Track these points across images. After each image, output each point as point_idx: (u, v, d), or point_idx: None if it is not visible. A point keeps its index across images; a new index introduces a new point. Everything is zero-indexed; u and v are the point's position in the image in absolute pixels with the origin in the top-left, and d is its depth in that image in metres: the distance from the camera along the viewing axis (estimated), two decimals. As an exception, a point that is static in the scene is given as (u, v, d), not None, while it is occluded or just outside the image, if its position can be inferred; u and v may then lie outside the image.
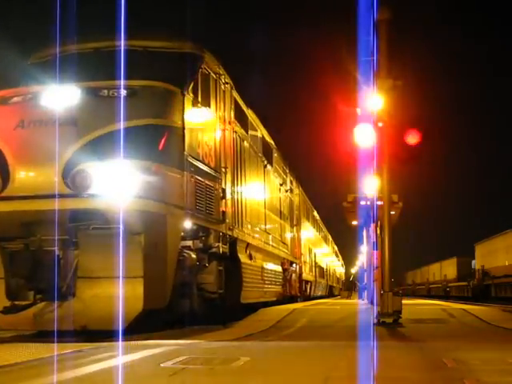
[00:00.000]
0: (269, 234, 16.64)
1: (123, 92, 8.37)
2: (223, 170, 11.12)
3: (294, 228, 23.71)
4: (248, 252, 13.57)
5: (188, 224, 9.56)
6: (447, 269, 63.94)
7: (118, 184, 7.97)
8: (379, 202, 12.18)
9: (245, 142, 13.68)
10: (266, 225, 16.22)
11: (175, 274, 9.00)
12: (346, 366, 5.06)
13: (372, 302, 16.75)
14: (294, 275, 22.78)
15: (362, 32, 10.74)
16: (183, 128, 9.20)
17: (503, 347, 6.92)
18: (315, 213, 38.02)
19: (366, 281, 28.31)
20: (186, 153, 9.20)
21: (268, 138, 17.47)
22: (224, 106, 11.57)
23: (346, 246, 63.51)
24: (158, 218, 8.42)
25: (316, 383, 4.15)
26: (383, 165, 10.58)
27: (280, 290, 18.48)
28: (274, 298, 17.47)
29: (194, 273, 10.08)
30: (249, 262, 13.46)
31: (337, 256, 59.71)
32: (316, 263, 34.60)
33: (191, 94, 9.56)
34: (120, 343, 6.43)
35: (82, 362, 4.97)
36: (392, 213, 12.44)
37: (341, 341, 7.77)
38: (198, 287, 10.34)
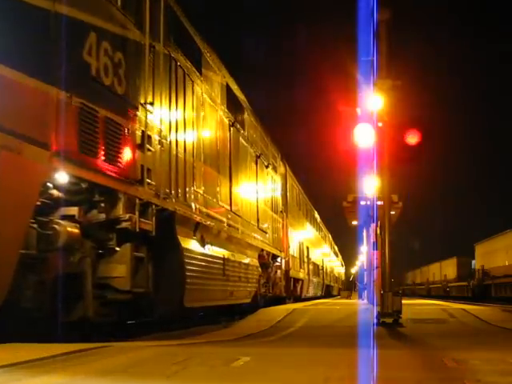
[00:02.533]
0: (238, 216, 13.16)
1: None
2: (146, 106, 7.99)
3: (279, 215, 20.12)
4: (199, 236, 10.13)
5: (61, 176, 6.27)
6: (447, 269, 63.94)
7: None
8: (379, 202, 12.19)
9: (195, 81, 10.30)
10: (232, 203, 12.56)
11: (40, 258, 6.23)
12: (345, 366, 5.06)
13: (372, 302, 16.76)
14: (278, 271, 19.53)
15: (361, 32, 10.75)
16: (61, 16, 6.05)
17: (503, 347, 6.92)
18: (309, 203, 34.49)
19: (365, 281, 28.34)
20: (64, 57, 6.05)
21: (238, 93, 14.04)
22: (153, 18, 8.30)
23: (346, 246, 63.57)
24: None
25: (316, 383, 4.14)
26: (383, 165, 10.59)
27: (255, 289, 15.00)
28: (248, 300, 14.13)
29: (84, 260, 6.94)
30: (198, 249, 9.89)
31: (336, 255, 59.03)
32: (309, 259, 31.09)
33: None
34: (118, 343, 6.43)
35: (86, 361, 4.97)
36: (392, 213, 12.45)
37: (341, 341, 7.77)
38: (98, 283, 7.24)
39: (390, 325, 9.70)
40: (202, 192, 10.42)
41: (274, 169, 19.27)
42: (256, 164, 15.87)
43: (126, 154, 7.38)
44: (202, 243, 10.32)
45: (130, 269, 7.56)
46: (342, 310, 16.02)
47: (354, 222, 27.67)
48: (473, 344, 7.44)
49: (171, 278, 8.80)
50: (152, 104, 8.19)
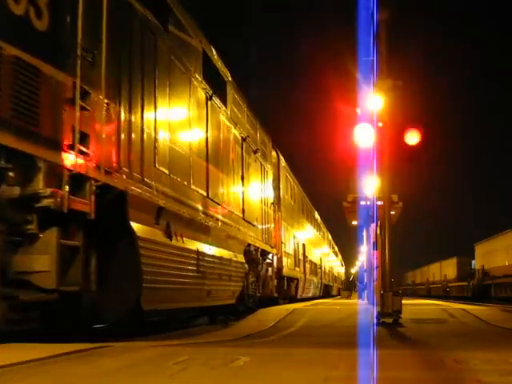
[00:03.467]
0: (217, 204, 11.48)
1: None
2: (83, 53, 6.37)
3: (271, 208, 18.43)
4: (163, 224, 8.62)
5: None
6: (447, 269, 63.96)
7: None
8: (379, 202, 12.19)
9: (159, 36, 8.76)
10: (209, 189, 10.89)
11: None
12: (345, 366, 5.06)
13: (372, 302, 16.76)
14: (269, 269, 17.85)
15: (361, 32, 10.75)
16: None
17: (503, 347, 6.92)
18: (306, 199, 32.59)
19: (365, 281, 28.33)
20: None
21: (219, 64, 12.33)
22: None
23: (346, 246, 63.60)
24: None
25: (315, 383, 4.14)
26: (383, 165, 10.59)
27: (241, 288, 13.43)
28: (231, 301, 12.70)
29: None
30: (161, 239, 8.39)
31: (336, 254, 58.38)
32: (306, 257, 29.03)
33: None
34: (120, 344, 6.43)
35: (86, 361, 4.97)
36: (392, 213, 12.45)
37: (341, 341, 7.77)
38: (15, 279, 5.79)
39: (390, 325, 9.70)
40: (167, 172, 8.77)
41: (264, 156, 17.40)
42: (241, 147, 14.01)
43: (47, 109, 5.72)
44: (168, 232, 8.68)
45: (57, 261, 5.90)
46: (342, 310, 16.02)
47: (354, 222, 27.70)
48: (473, 344, 7.44)
49: (123, 273, 7.30)
50: (93, 53, 6.54)
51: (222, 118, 12.30)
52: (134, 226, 7.44)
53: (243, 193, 14.10)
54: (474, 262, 55.74)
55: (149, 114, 8.30)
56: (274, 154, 19.97)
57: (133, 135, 7.71)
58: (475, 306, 20.38)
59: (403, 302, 10.62)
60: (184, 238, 9.42)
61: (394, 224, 13.11)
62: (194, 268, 9.79)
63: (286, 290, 22.09)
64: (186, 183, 9.68)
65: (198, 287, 10.02)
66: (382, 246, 11.18)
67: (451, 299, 42.55)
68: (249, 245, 14.64)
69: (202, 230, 10.59)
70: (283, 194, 21.93)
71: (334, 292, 54.17)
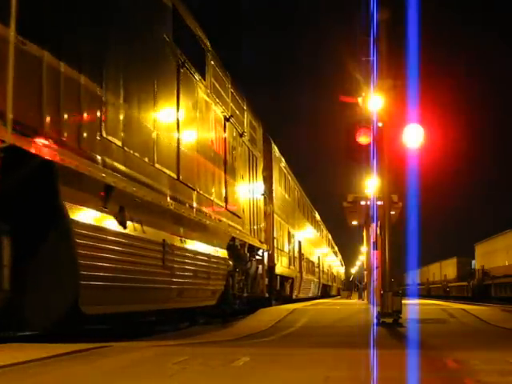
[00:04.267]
0: (192, 189, 9.78)
1: None
2: None
3: (262, 201, 16.59)
4: (114, 208, 6.95)
5: None
6: (447, 269, 63.95)
7: None
8: (379, 202, 12.19)
9: None
10: (181, 171, 9.21)
11: None
12: (345, 365, 5.06)
13: (372, 302, 16.77)
14: (259, 267, 16.00)
15: (361, 32, 10.76)
16: None
17: (503, 347, 6.92)
18: (303, 193, 30.49)
19: (365, 281, 28.34)
20: None
21: (195, 27, 10.67)
22: None
23: (346, 246, 63.62)
24: None
25: (316, 383, 4.14)
26: (383, 165, 10.59)
27: (222, 287, 11.83)
28: (212, 302, 11.22)
29: None
30: (109, 226, 6.83)
31: (335, 253, 57.26)
32: (302, 255, 27.23)
33: None
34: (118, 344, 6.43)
35: (86, 361, 4.97)
36: (392, 213, 12.45)
37: (341, 341, 7.77)
38: None
39: (390, 325, 9.69)
40: (119, 143, 7.05)
41: (254, 142, 15.50)
42: (224, 128, 12.12)
43: None
44: (121, 219, 7.11)
45: None
46: (342, 310, 16.03)
47: (354, 222, 27.73)
48: (473, 344, 7.44)
49: (55, 268, 5.97)
50: None
51: (200, 91, 10.53)
52: (69, 207, 5.90)
53: (226, 180, 12.06)
54: (473, 261, 55.73)
55: (93, 65, 6.60)
56: (265, 141, 18.05)
57: (64, 89, 5.97)
58: (475, 306, 20.38)
59: (403, 302, 10.63)
60: (145, 227, 7.81)
61: (393, 224, 13.12)
62: (159, 263, 8.25)
63: (279, 289, 20.24)
64: (147, 160, 7.93)
65: (163, 286, 8.46)
66: (381, 246, 11.18)
67: (451, 299, 42.56)
68: (233, 239, 12.79)
69: (170, 219, 8.89)
70: (276, 186, 20.08)
71: (334, 292, 53.05)
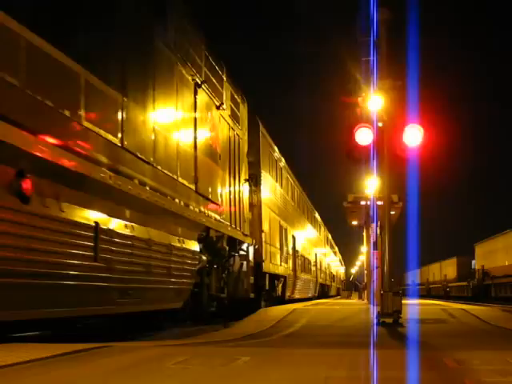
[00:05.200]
0: (144, 161, 8.01)
1: None
2: None
3: (246, 187, 14.52)
4: (3, 172, 5.34)
5: None
6: (447, 269, 63.98)
7: None
8: (379, 202, 12.19)
9: None
10: (125, 134, 7.40)
11: None
12: (345, 366, 5.06)
13: (372, 302, 16.78)
14: (243, 264, 14.06)
15: (362, 32, 10.76)
16: None
17: (503, 347, 6.92)
18: (297, 183, 27.99)
19: (365, 281, 28.36)
20: None
21: None
22: None
23: (346, 246, 63.64)
24: None
25: (316, 383, 4.14)
26: (383, 165, 10.59)
27: (190, 286, 9.99)
28: (176, 304, 9.52)
29: None
30: None
31: (334, 252, 55.88)
32: (296, 251, 25.13)
33: None
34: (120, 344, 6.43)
35: (86, 361, 4.97)
36: (392, 213, 12.46)
37: (341, 341, 7.77)
38: None
39: (390, 325, 9.69)
40: (13, 81, 5.33)
41: (236, 119, 13.44)
42: (194, 94, 10.30)
43: None
44: (20, 189, 5.44)
45: None
46: (342, 310, 16.03)
47: (354, 222, 27.76)
48: (473, 344, 7.44)
49: None
50: None
51: (158, 41, 8.76)
52: None
53: (197, 157, 10.05)
54: (473, 261, 55.75)
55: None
56: (251, 119, 15.80)
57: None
58: (475, 306, 20.39)
59: (403, 302, 10.63)
60: (63, 204, 6.14)
61: (393, 224, 13.12)
62: (89, 253, 6.58)
63: (268, 289, 17.96)
64: (67, 113, 6.15)
65: (95, 284, 6.74)
66: (381, 246, 11.18)
67: (451, 299, 42.57)
68: (207, 229, 10.86)
69: (109, 197, 7.13)
70: (265, 174, 17.95)
71: (333, 292, 51.37)
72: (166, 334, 9.31)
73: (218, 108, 11.85)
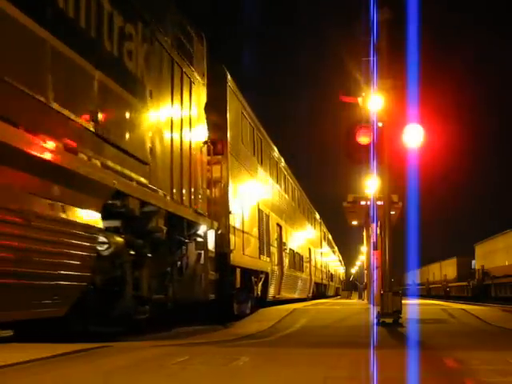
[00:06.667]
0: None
1: None
2: None
3: (202, 150, 10.74)
4: None
5: None
6: (447, 269, 64.00)
7: None
8: (379, 202, 12.20)
9: None
10: None
11: None
12: (345, 366, 5.06)
13: (372, 302, 16.78)
14: (201, 254, 10.44)
15: (362, 32, 10.77)
16: None
17: (503, 347, 6.92)
18: (288, 169, 23.99)
19: (365, 281, 28.36)
20: None
21: None
22: None
23: (346, 246, 63.63)
24: None
25: (315, 383, 4.14)
26: (383, 165, 10.60)
27: (81, 283, 6.37)
28: (56, 311, 5.94)
29: None
30: None
31: (332, 249, 53.61)
32: (283, 244, 20.99)
33: None
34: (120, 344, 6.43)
35: (86, 361, 4.97)
36: (392, 213, 12.46)
37: (341, 341, 7.77)
38: None
39: (390, 325, 9.69)
40: None
41: (185, 55, 10.19)
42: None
43: None
44: None
45: None
46: (342, 310, 16.04)
47: (354, 222, 27.75)
48: (473, 344, 7.45)
49: None
50: None
51: None
52: None
53: (100, 82, 6.84)
54: (474, 262, 55.77)
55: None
56: (214, 70, 12.42)
57: None
58: (475, 306, 20.40)
59: (403, 301, 10.63)
60: None
61: (393, 224, 13.13)
62: None
63: (240, 288, 13.59)
64: None
65: None
66: (382, 246, 11.19)
67: (451, 299, 42.59)
68: (123, 196, 7.33)
69: None
70: (234, 137, 13.78)
71: (331, 292, 48.33)
72: (166, 334, 9.30)
73: (145, 25, 8.39)
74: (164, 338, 8.17)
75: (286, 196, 23.67)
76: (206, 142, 11.08)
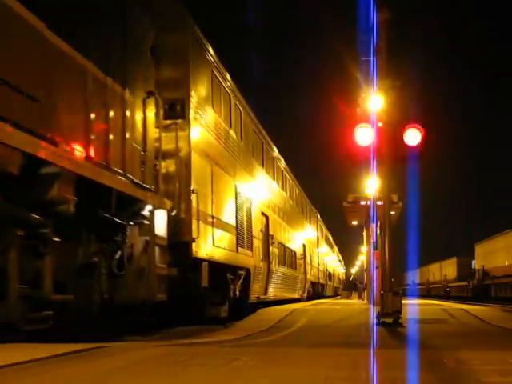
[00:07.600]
0: None
1: None
2: None
3: (149, 104, 8.33)
4: None
5: None
6: (447, 269, 64.02)
7: None
8: (379, 202, 12.20)
9: None
10: None
11: None
12: (345, 366, 5.06)
13: (372, 302, 16.78)
14: (146, 241, 8.04)
15: (362, 32, 10.77)
16: None
17: (503, 347, 6.92)
18: (276, 151, 20.43)
19: (365, 281, 28.36)
20: None
21: None
22: None
23: (346, 246, 63.65)
24: None
25: (316, 383, 4.14)
26: (383, 165, 10.60)
27: None
28: None
29: None
30: None
31: (331, 246, 52.32)
32: (271, 236, 18.11)
33: None
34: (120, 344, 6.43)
35: (86, 361, 4.97)
36: (392, 213, 12.46)
37: (341, 341, 7.77)
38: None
39: (390, 325, 9.69)
40: None
41: None
42: None
43: None
44: None
45: None
46: (342, 310, 16.04)
47: (354, 222, 27.77)
48: (473, 344, 7.44)
49: None
50: None
51: None
52: None
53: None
54: (474, 262, 55.78)
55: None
56: (171, 11, 10.20)
57: None
58: (475, 306, 20.40)
59: (403, 301, 10.63)
60: None
61: (393, 224, 13.13)
62: None
63: (209, 287, 10.67)
64: None
65: None
66: (382, 246, 11.19)
67: (451, 299, 42.59)
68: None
69: None
70: (201, 100, 10.96)
71: (329, 292, 46.17)
72: (166, 334, 9.29)
73: None
74: (164, 338, 8.16)
75: (275, 183, 20.36)
76: (151, 93, 8.54)
